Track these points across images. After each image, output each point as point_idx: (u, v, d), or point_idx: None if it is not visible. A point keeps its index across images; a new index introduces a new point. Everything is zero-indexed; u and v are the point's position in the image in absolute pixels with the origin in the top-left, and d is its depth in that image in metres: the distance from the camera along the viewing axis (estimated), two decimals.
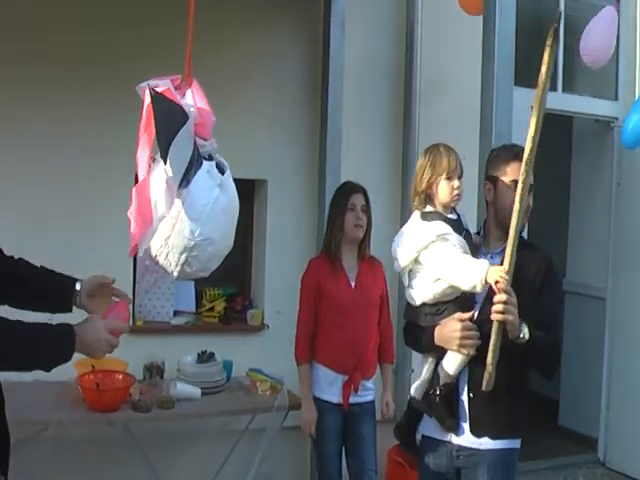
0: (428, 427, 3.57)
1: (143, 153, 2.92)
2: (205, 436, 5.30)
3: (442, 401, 3.43)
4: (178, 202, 2.89)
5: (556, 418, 7.86)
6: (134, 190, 2.87)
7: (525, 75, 6.58)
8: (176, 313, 5.67)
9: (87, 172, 5.20)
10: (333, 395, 4.73)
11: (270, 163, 5.73)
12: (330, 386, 4.73)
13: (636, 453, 6.88)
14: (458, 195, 3.49)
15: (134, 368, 5.03)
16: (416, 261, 3.43)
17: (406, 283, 3.54)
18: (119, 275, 5.09)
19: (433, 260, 3.37)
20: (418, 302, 3.47)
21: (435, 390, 3.43)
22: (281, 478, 5.60)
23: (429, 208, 3.48)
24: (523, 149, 3.40)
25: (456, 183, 3.48)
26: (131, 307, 5.42)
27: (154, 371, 5.13)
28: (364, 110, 6.02)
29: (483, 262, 3.28)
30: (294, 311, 5.51)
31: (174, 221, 2.90)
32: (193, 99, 3.03)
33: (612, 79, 7.49)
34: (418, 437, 3.67)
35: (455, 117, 6.03)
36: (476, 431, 3.44)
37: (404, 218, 5.88)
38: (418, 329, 3.51)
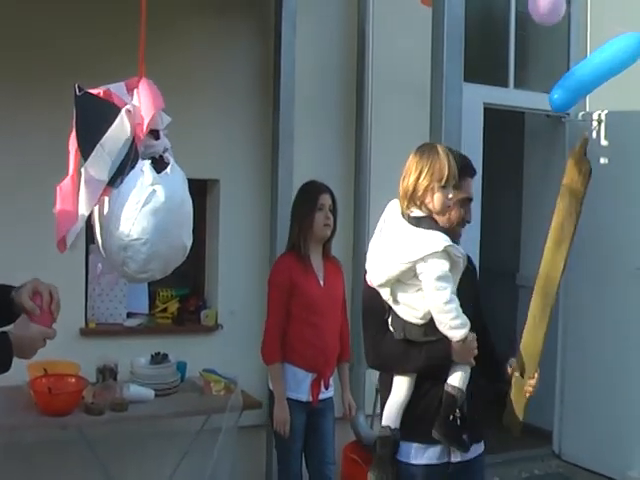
0: (420, 455, 3.34)
1: (72, 149, 2.90)
2: (159, 438, 5.26)
3: (459, 424, 3.30)
4: (109, 202, 2.87)
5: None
6: (58, 187, 2.85)
7: (474, 71, 6.63)
8: (129, 315, 5.63)
9: (31, 173, 5.11)
10: (301, 393, 4.74)
11: (222, 162, 5.70)
12: (298, 385, 4.73)
13: (590, 445, 6.94)
14: (450, 207, 3.33)
15: (87, 371, 4.98)
16: (406, 273, 3.19)
17: (388, 297, 3.27)
18: (71, 277, 5.13)
19: (428, 281, 3.14)
20: (421, 320, 3.24)
21: (454, 415, 3.28)
22: (237, 477, 5.57)
23: (418, 212, 3.27)
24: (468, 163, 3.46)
25: (451, 194, 3.29)
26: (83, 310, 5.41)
27: (107, 373, 5.08)
28: (316, 107, 6.01)
29: (466, 326, 3.19)
30: (248, 311, 5.53)
31: (106, 221, 2.89)
32: (138, 98, 3.01)
33: (563, 74, 7.51)
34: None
35: (406, 114, 6.04)
36: (472, 442, 3.42)
37: (357, 215, 5.94)
38: (416, 346, 3.28)
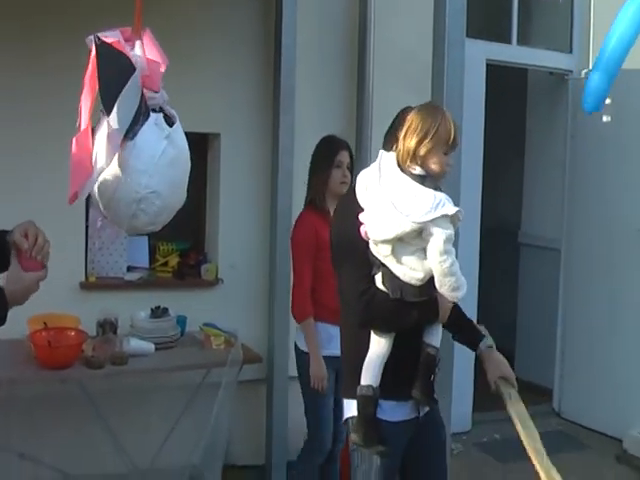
0: (397, 412, 3.36)
1: (85, 103, 2.87)
2: (160, 392, 5.27)
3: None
4: (123, 154, 2.86)
5: (512, 370, 7.92)
6: (74, 140, 2.82)
7: (477, 28, 6.58)
8: (129, 269, 5.61)
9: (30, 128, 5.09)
10: (334, 349, 4.62)
11: (223, 117, 5.64)
12: (330, 341, 4.62)
13: (590, 403, 6.98)
14: (447, 173, 3.27)
15: (87, 325, 4.96)
16: (411, 233, 3.10)
17: (388, 253, 3.17)
18: (71, 232, 5.13)
19: (438, 244, 3.07)
20: (421, 281, 3.18)
21: (434, 374, 3.35)
22: (237, 432, 5.59)
23: (420, 170, 3.18)
24: None
25: (452, 160, 3.26)
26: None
27: (107, 327, 5.06)
28: (318, 67, 5.94)
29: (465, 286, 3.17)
30: (248, 265, 5.52)
31: (120, 173, 2.87)
32: (142, 50, 2.98)
33: (567, 32, 7.49)
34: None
35: (408, 71, 6.00)
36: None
37: (358, 171, 5.89)
38: (408, 305, 3.22)
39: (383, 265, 3.22)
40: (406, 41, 6.06)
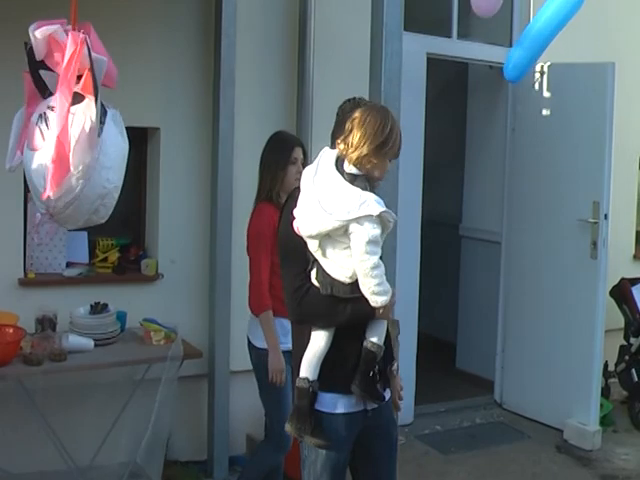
0: (340, 405, 3.37)
1: (63, 100, 2.89)
2: (100, 388, 5.22)
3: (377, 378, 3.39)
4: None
5: (453, 361, 8.01)
6: (56, 138, 2.85)
7: (417, 22, 6.60)
8: (69, 264, 5.54)
9: None
10: (289, 342, 4.65)
11: (162, 110, 5.59)
12: (285, 335, 4.49)
13: (531, 394, 7.07)
14: (382, 179, 3.33)
15: (25, 321, 4.91)
16: (338, 230, 3.13)
17: (316, 249, 3.22)
18: (9, 227, 5.06)
19: (359, 244, 3.11)
20: (349, 279, 3.22)
21: (374, 371, 3.35)
22: (179, 427, 5.57)
23: (353, 169, 3.21)
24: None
25: (390, 165, 3.29)
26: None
27: (46, 324, 5.00)
28: (258, 53, 5.91)
29: (387, 293, 3.21)
30: (188, 260, 5.49)
31: (90, 170, 2.91)
32: (91, 46, 3.01)
33: (506, 25, 7.54)
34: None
35: (348, 61, 6.02)
36: (384, 388, 3.51)
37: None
38: (342, 302, 3.26)
39: (317, 261, 3.27)
40: (347, 31, 6.06)
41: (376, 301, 3.19)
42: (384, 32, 4.69)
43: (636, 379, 7.38)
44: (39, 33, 3.03)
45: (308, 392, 3.31)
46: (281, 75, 6.01)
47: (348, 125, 3.22)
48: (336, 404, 3.36)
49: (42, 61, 3.16)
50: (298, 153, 4.75)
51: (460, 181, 8.09)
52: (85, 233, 5.54)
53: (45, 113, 3.11)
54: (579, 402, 6.69)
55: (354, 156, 3.17)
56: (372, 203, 3.10)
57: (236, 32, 5.57)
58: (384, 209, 3.11)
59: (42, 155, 3.05)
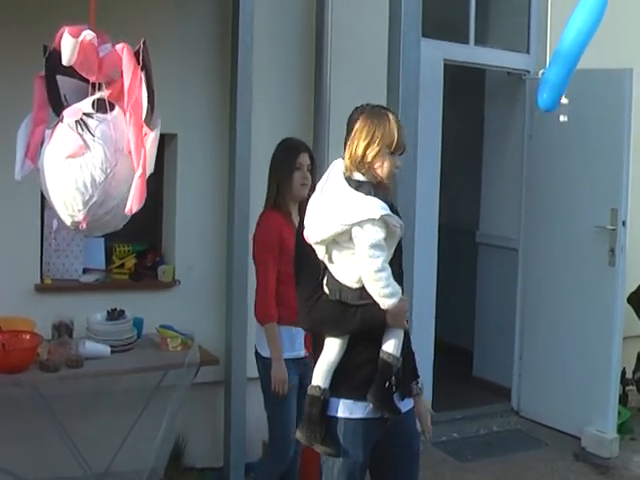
0: (358, 410, 3.35)
1: (137, 115, 3.01)
2: (116, 395, 5.20)
3: (394, 390, 3.35)
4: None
5: (470, 369, 7.98)
6: (143, 151, 3.08)
7: (435, 28, 6.59)
8: (85, 271, 5.55)
9: None
10: (297, 350, 4.69)
11: (179, 116, 5.57)
12: (293, 342, 4.67)
13: (548, 401, 7.03)
14: (395, 175, 3.37)
15: (42, 328, 4.93)
16: (342, 235, 3.19)
17: (323, 255, 3.28)
18: (26, 233, 5.07)
19: (362, 247, 3.15)
20: (357, 283, 3.25)
21: (390, 382, 3.31)
22: (194, 435, 5.57)
23: (359, 176, 3.26)
24: None
25: (399, 162, 3.33)
26: None
27: (62, 330, 5.02)
28: (275, 61, 5.92)
29: (395, 295, 3.22)
30: (205, 266, 5.50)
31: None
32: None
33: (524, 32, 7.53)
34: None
35: (365, 69, 6.01)
36: (404, 397, 3.50)
37: (315, 171, 5.88)
38: (351, 309, 3.28)
39: (326, 268, 3.31)
40: (365, 38, 6.06)
41: (385, 303, 3.21)
42: (402, 40, 4.71)
43: None
44: (72, 38, 3.05)
45: (319, 400, 3.32)
46: (298, 82, 6.02)
47: (351, 135, 3.30)
48: (352, 409, 3.34)
49: (69, 67, 3.17)
50: (304, 159, 4.73)
51: (477, 187, 8.06)
52: (102, 239, 5.55)
53: (83, 119, 3.13)
54: (597, 409, 6.65)
55: (355, 161, 3.24)
56: (373, 207, 3.16)
57: (253, 39, 5.56)
58: (386, 212, 3.16)
59: (87, 162, 3.09)
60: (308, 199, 4.67)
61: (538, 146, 7.16)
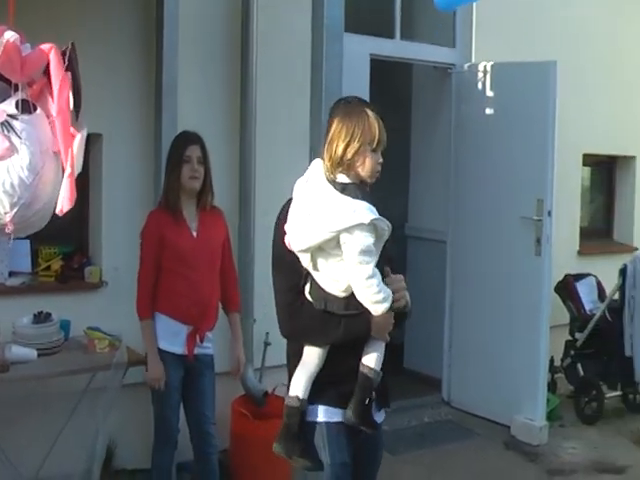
0: (335, 415, 3.27)
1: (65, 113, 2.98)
2: (45, 398, 5.16)
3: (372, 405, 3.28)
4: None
5: (401, 361, 8.04)
6: (70, 151, 3.09)
7: (360, 23, 6.63)
8: (11, 274, 5.47)
9: None
10: (177, 346, 4.73)
11: (104, 116, 5.52)
12: (174, 337, 4.72)
13: (478, 392, 7.13)
14: (379, 172, 3.23)
15: None
16: (329, 242, 3.06)
17: (308, 263, 3.14)
18: None
19: (352, 254, 3.03)
20: (344, 292, 3.13)
21: (370, 398, 3.23)
22: (124, 436, 5.53)
23: (343, 178, 3.14)
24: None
25: (380, 158, 3.21)
26: None
27: None
28: (201, 59, 5.90)
29: (387, 300, 3.09)
30: (132, 267, 5.42)
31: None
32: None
33: (450, 26, 7.59)
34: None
35: (291, 65, 6.04)
36: (380, 407, 3.44)
37: (242, 167, 5.89)
38: (335, 319, 3.16)
39: (308, 274, 3.19)
40: (291, 35, 6.06)
41: (376, 310, 3.09)
42: (324, 34, 4.72)
43: (582, 374, 7.51)
44: None
45: (298, 411, 3.22)
46: (224, 80, 6.01)
47: (329, 135, 3.19)
48: (330, 415, 3.27)
49: None
50: (192, 151, 4.72)
51: (406, 181, 8.12)
52: (27, 242, 5.46)
53: (8, 121, 3.09)
54: (526, 398, 6.77)
55: (336, 162, 3.13)
56: (363, 211, 3.03)
57: (178, 38, 5.53)
58: (376, 216, 3.04)
59: (14, 164, 3.06)
60: (205, 191, 4.66)
61: (465, 139, 7.24)
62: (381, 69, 7.10)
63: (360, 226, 3.00)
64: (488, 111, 7.11)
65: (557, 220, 6.85)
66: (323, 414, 3.27)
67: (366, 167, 3.16)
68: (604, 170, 9.40)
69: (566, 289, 7.66)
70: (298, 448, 3.23)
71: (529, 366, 6.73)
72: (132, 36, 5.65)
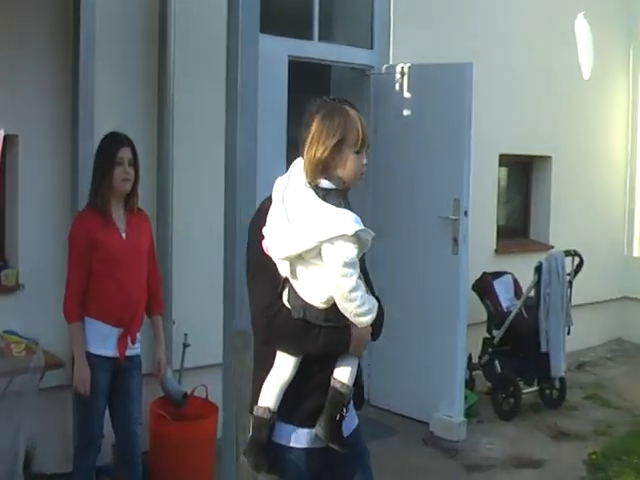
0: (301, 438, 3.11)
1: None
2: None
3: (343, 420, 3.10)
4: None
5: None
6: None
7: (279, 24, 6.66)
8: None
9: None
10: (108, 349, 4.70)
11: (20, 117, 5.47)
12: (105, 340, 4.69)
13: (398, 389, 7.22)
14: (364, 174, 3.07)
15: None
16: (310, 252, 2.91)
17: (287, 272, 3.00)
18: None
19: (334, 267, 2.89)
20: (324, 304, 2.98)
21: (342, 414, 3.05)
22: (43, 441, 5.47)
23: (326, 183, 2.99)
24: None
25: (365, 159, 3.03)
26: None
27: None
28: (117, 59, 5.86)
29: (372, 311, 3.01)
30: (50, 270, 5.40)
31: None
32: None
33: (367, 28, 7.66)
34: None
35: (208, 65, 6.03)
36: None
37: (160, 167, 5.87)
38: (315, 329, 3.00)
39: (287, 280, 3.05)
40: (207, 32, 6.04)
41: (361, 322, 2.99)
42: (240, 35, 4.74)
43: (499, 370, 7.64)
44: None
45: (268, 423, 3.06)
46: (141, 80, 6.00)
47: (309, 137, 3.02)
48: (297, 437, 3.11)
49: None
50: (124, 153, 4.72)
51: None
52: None
53: None
54: (444, 395, 6.87)
55: (317, 166, 2.98)
56: (346, 221, 2.89)
57: (95, 38, 5.49)
58: (360, 227, 2.90)
59: None
60: (133, 193, 4.68)
61: (383, 140, 7.28)
62: (300, 70, 7.13)
63: (343, 237, 2.87)
64: (406, 112, 7.18)
65: (474, 219, 6.95)
66: (287, 437, 3.11)
67: (348, 170, 3.00)
68: (521, 170, 9.58)
69: (483, 287, 7.78)
70: (267, 463, 3.07)
71: (447, 364, 6.83)
72: (49, 37, 5.58)
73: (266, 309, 3.04)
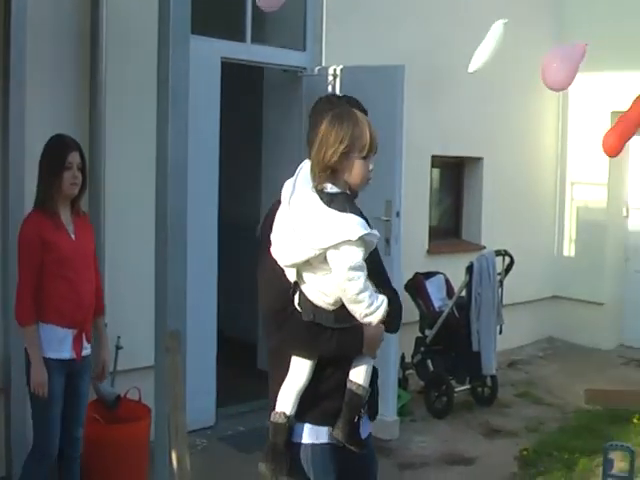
0: (322, 435, 3.16)
1: None
2: None
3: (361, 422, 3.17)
4: None
5: (255, 362, 8.09)
6: None
7: (211, 26, 6.66)
8: None
9: None
10: (64, 352, 4.66)
11: None
12: (60, 343, 4.64)
13: None
14: (370, 180, 3.13)
15: None
16: (316, 258, 2.95)
17: (294, 278, 3.03)
18: None
19: (340, 272, 2.94)
20: (332, 306, 3.03)
21: (359, 416, 3.13)
22: None
23: (332, 188, 3.02)
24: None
25: (371, 165, 3.09)
26: None
27: None
28: (48, 62, 5.81)
29: (382, 306, 3.02)
30: None
31: None
32: None
33: (300, 30, 7.69)
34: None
35: (137, 67, 6.04)
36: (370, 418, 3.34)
37: (93, 169, 5.82)
38: (327, 332, 3.04)
39: (297, 283, 3.07)
40: (140, 33, 5.99)
41: (372, 321, 3.02)
42: (170, 36, 4.74)
43: (432, 369, 7.71)
44: None
45: (285, 428, 3.09)
46: (73, 79, 5.96)
47: (317, 140, 3.04)
48: (318, 434, 3.14)
49: None
50: (73, 157, 4.69)
51: (258, 184, 8.16)
52: None
53: None
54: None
55: (324, 170, 3.01)
56: (350, 227, 2.91)
57: (26, 37, 5.43)
58: (365, 232, 2.92)
59: None
60: (80, 196, 4.68)
61: None
62: (233, 72, 7.13)
63: (348, 242, 2.90)
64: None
65: (407, 220, 7.00)
66: (308, 435, 3.14)
67: (354, 175, 3.05)
68: (453, 171, 9.68)
69: (416, 287, 7.84)
70: (285, 467, 3.09)
71: (380, 363, 6.80)
72: None
73: (277, 314, 3.10)
